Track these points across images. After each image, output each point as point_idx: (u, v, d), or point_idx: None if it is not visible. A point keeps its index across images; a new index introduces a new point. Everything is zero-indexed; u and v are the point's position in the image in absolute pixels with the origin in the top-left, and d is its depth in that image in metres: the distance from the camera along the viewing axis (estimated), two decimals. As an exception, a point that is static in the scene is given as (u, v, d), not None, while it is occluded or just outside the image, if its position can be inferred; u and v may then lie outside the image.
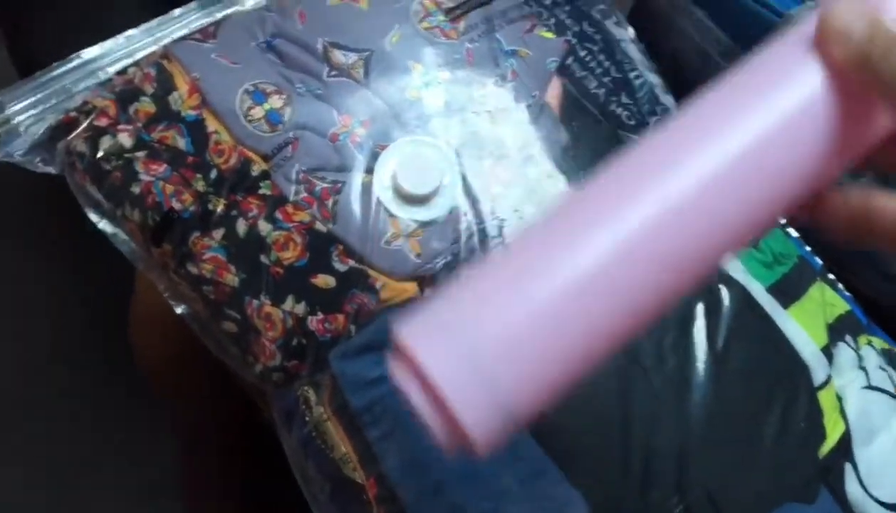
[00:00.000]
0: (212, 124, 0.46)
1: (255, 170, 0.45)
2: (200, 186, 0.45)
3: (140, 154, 0.46)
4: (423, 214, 0.45)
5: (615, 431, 0.42)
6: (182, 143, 0.46)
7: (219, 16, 0.51)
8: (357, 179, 0.45)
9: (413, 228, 0.44)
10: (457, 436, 0.22)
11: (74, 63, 0.49)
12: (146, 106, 0.47)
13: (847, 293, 0.52)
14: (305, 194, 0.45)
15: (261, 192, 0.45)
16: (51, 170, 0.48)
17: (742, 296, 0.47)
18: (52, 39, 0.62)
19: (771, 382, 0.45)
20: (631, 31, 0.57)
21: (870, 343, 0.49)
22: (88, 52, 0.49)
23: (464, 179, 0.46)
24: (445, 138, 0.47)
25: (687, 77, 0.58)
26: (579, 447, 0.42)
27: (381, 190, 0.45)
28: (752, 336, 0.46)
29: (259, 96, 0.46)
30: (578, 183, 0.47)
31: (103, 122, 0.46)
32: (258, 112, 0.46)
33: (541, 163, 0.47)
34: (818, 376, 0.46)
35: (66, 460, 0.86)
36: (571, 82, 0.50)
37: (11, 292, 0.95)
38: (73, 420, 0.88)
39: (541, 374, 0.22)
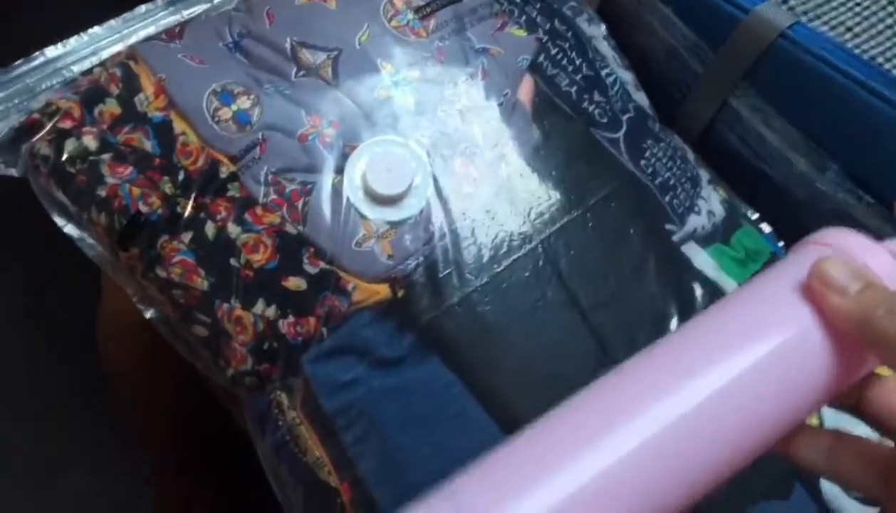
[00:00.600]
0: (179, 126, 0.45)
1: (224, 171, 0.44)
2: (168, 188, 0.44)
3: (105, 156, 0.45)
4: (394, 214, 0.44)
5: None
6: (148, 145, 0.45)
7: (185, 14, 0.50)
8: (327, 180, 0.44)
9: (384, 230, 0.44)
10: None
11: (38, 61, 0.48)
12: (112, 107, 0.46)
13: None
14: (275, 196, 0.44)
15: (229, 194, 0.44)
16: (13, 172, 0.47)
17: (715, 293, 0.47)
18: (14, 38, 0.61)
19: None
20: (603, 28, 0.57)
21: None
22: (52, 51, 0.48)
23: (435, 179, 0.45)
24: (416, 138, 0.46)
25: (654, 73, 0.58)
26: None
27: (352, 191, 0.44)
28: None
29: (227, 97, 0.46)
30: (550, 190, 0.46)
31: (67, 124, 0.46)
32: (226, 113, 0.45)
33: (512, 161, 0.47)
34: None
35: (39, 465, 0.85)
36: (543, 80, 0.50)
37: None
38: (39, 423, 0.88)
39: None
